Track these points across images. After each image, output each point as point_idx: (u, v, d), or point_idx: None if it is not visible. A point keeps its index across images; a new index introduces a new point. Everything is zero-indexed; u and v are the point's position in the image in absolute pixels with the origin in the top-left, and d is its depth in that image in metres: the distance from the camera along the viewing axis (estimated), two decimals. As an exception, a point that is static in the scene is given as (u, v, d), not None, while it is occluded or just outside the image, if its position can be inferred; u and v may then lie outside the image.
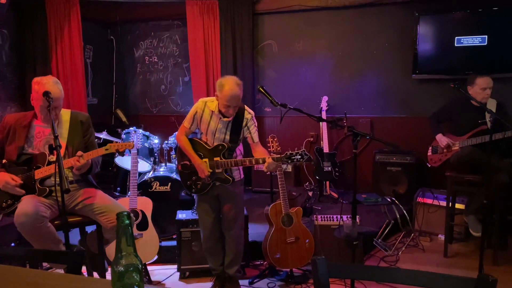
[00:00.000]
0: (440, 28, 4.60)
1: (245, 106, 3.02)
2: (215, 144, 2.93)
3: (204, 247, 3.19)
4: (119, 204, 2.82)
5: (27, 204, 2.48)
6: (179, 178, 3.75)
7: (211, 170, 2.87)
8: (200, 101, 3.02)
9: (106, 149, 2.68)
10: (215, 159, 2.88)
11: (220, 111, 2.90)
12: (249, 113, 2.99)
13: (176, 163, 3.38)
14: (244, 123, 2.96)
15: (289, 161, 2.76)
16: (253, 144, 3.02)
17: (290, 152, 2.76)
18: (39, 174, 2.61)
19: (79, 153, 2.61)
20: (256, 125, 3.03)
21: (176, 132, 3.14)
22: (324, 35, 5.19)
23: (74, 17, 4.89)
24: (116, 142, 3.23)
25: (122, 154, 2.85)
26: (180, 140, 3.01)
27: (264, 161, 2.80)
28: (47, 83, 2.60)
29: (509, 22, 4.30)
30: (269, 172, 2.96)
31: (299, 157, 2.74)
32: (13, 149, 2.65)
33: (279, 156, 2.78)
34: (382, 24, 4.92)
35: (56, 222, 2.60)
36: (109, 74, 6.01)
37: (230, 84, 2.78)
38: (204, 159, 2.90)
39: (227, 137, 2.95)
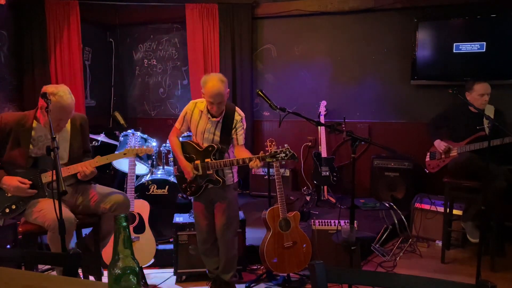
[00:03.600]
0: (439, 34, 4.62)
1: (236, 107, 3.03)
2: (205, 145, 2.93)
3: (200, 250, 3.18)
4: (117, 190, 2.81)
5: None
6: (176, 181, 3.74)
7: (196, 172, 2.88)
8: (190, 102, 3.05)
9: (125, 154, 2.66)
10: (206, 160, 2.88)
11: (209, 111, 2.91)
12: (239, 115, 2.99)
13: (173, 165, 3.35)
14: (233, 124, 2.96)
15: (274, 159, 2.76)
16: (237, 146, 3.01)
17: (274, 150, 2.77)
18: (46, 177, 2.59)
19: (97, 158, 2.58)
20: (244, 128, 3.03)
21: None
22: (323, 40, 5.20)
23: (73, 19, 4.88)
24: (115, 145, 3.21)
25: (141, 158, 2.83)
26: (171, 141, 3.09)
27: (251, 160, 2.79)
28: (64, 96, 2.52)
29: (507, 29, 4.33)
30: (266, 177, 2.96)
31: (284, 155, 2.75)
32: (20, 154, 2.57)
33: (264, 155, 2.78)
34: (381, 29, 4.94)
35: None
36: (108, 76, 6.00)
37: (213, 81, 2.78)
38: (196, 161, 2.91)
39: (216, 137, 2.94)
